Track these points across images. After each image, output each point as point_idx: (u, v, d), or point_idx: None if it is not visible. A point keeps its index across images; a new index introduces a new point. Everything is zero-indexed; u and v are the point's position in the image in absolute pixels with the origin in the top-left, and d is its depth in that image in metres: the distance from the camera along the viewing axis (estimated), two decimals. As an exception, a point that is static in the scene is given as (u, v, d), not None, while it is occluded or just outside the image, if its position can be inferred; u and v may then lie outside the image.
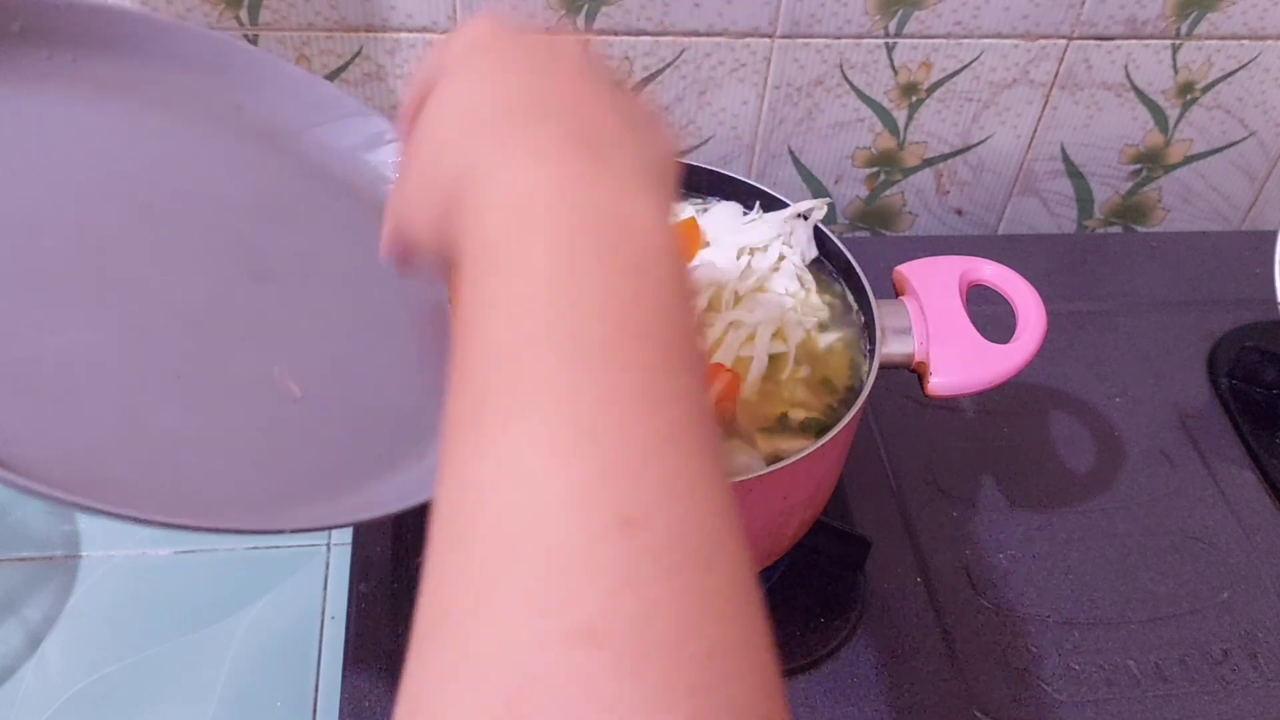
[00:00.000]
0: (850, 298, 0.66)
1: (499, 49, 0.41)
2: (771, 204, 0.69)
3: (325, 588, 0.77)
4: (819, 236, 0.67)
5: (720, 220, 0.68)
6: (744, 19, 0.81)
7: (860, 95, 0.87)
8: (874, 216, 0.96)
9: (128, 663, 0.72)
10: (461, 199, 0.35)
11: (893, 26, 0.83)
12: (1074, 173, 0.96)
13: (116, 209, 0.51)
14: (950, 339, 0.62)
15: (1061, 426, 0.81)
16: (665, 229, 0.34)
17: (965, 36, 0.85)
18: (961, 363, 0.61)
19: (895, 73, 0.86)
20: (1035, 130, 0.92)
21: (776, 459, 0.57)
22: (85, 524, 0.78)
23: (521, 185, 0.34)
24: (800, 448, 0.57)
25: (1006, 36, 0.85)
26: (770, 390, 0.61)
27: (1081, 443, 0.80)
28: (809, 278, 0.66)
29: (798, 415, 0.60)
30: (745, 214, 0.69)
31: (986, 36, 0.85)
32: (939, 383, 0.61)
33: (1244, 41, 0.88)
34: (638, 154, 0.37)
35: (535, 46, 0.41)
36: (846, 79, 0.86)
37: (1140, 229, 1.02)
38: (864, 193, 0.94)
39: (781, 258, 0.66)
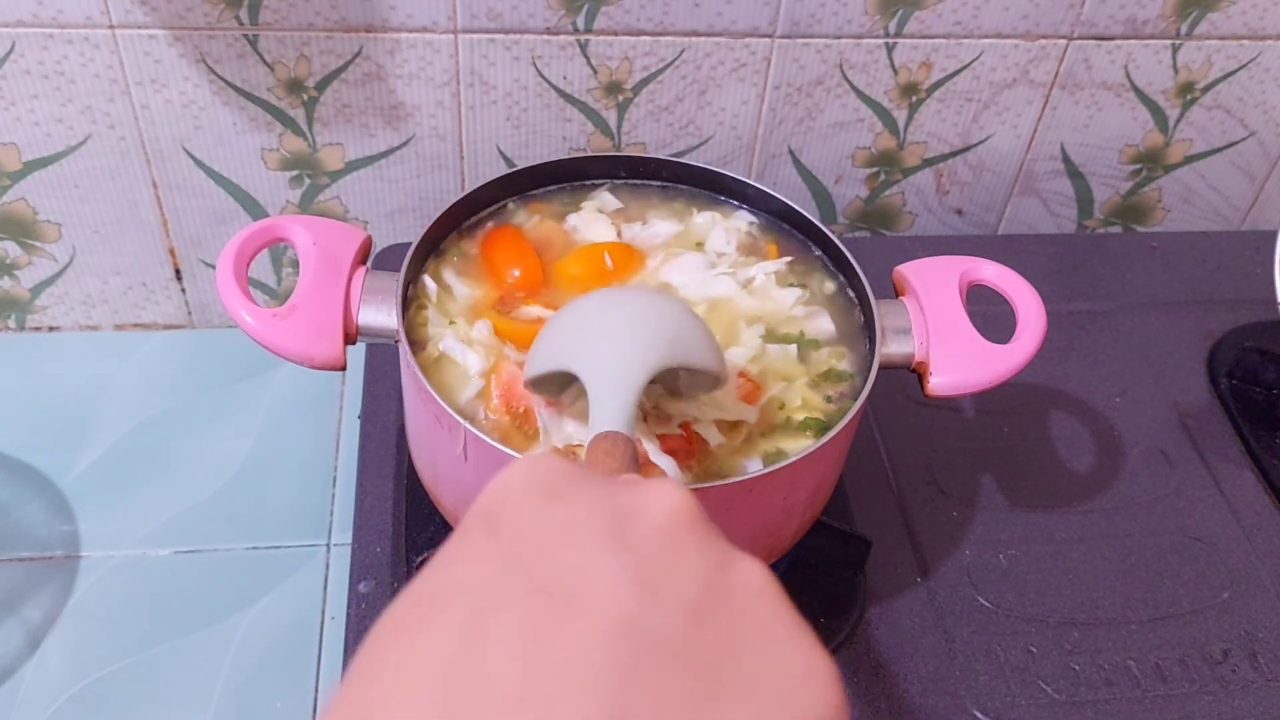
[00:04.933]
0: (851, 296, 0.66)
1: (497, 541, 0.29)
2: (772, 204, 0.69)
3: (325, 588, 0.77)
4: (819, 236, 0.67)
5: (687, 273, 0.66)
6: (744, 19, 0.81)
7: (860, 95, 0.87)
8: (874, 216, 0.96)
9: (128, 663, 0.72)
10: None
11: (893, 26, 0.83)
12: (1074, 173, 0.96)
13: None
14: (950, 339, 0.62)
15: (1061, 426, 0.81)
16: None
17: (965, 36, 0.85)
18: (961, 363, 0.61)
19: (895, 73, 0.86)
20: (1035, 130, 0.92)
21: (778, 457, 0.57)
22: (85, 524, 0.79)
23: None
24: (800, 446, 0.57)
25: (1006, 36, 0.85)
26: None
27: (1081, 443, 0.80)
28: (780, 270, 0.66)
29: (798, 415, 0.60)
30: (709, 265, 0.67)
31: (986, 36, 0.85)
32: (939, 383, 0.61)
33: (1244, 41, 0.88)
34: None
35: (563, 545, 0.28)
36: (846, 79, 0.86)
37: (1140, 229, 1.02)
38: (864, 193, 0.94)
39: (750, 280, 0.66)
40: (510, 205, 0.69)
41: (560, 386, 0.56)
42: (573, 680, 0.24)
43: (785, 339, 0.63)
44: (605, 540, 0.28)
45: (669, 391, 0.57)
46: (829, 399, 0.61)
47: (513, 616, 0.26)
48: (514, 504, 0.30)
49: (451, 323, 0.62)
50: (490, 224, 0.68)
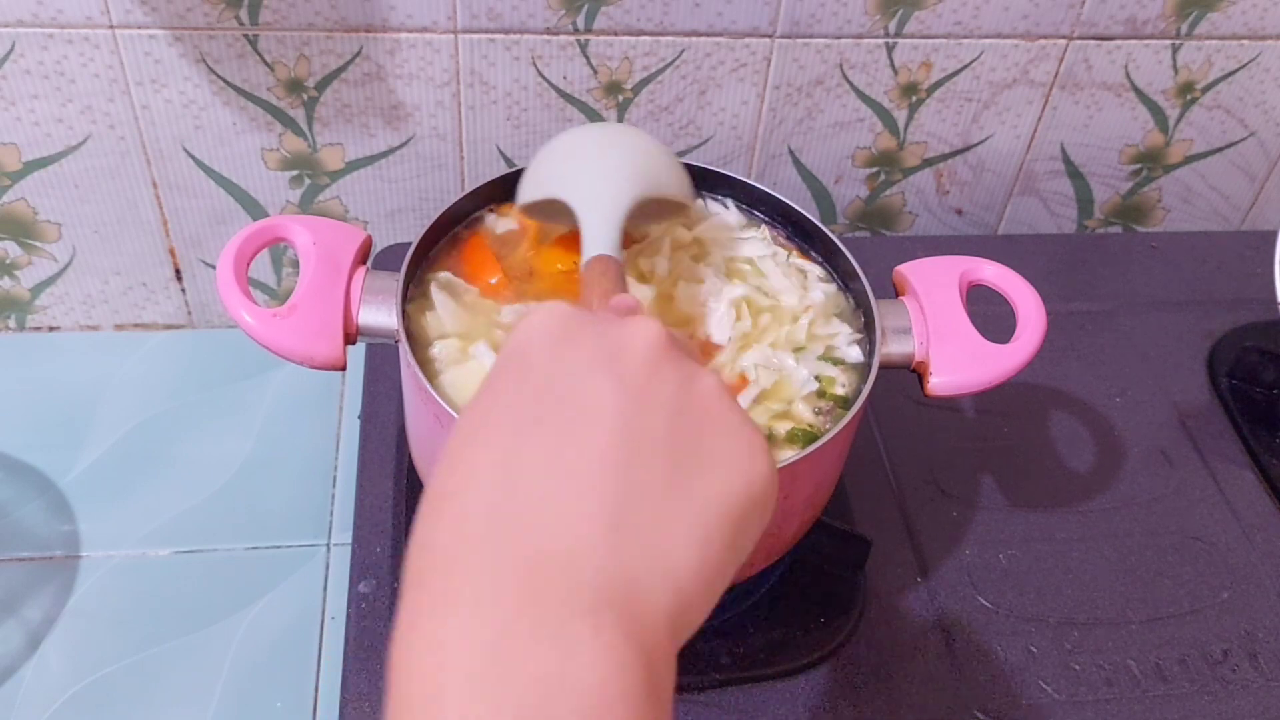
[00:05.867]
0: (850, 298, 0.66)
1: (527, 375, 0.37)
2: (772, 204, 0.69)
3: (325, 588, 0.77)
4: (818, 236, 0.67)
5: (716, 230, 0.67)
6: (744, 19, 0.81)
7: (860, 95, 0.87)
8: (874, 216, 0.96)
9: (128, 663, 0.72)
10: (395, 630, 0.32)
11: (893, 26, 0.83)
12: (1074, 173, 0.96)
13: None
14: (950, 339, 0.62)
15: (1061, 426, 0.81)
16: (629, 681, 0.30)
17: (965, 36, 0.85)
18: (961, 363, 0.61)
19: (895, 73, 0.86)
20: (1035, 130, 0.92)
21: None
22: (85, 524, 0.79)
23: (435, 654, 0.30)
24: (788, 456, 0.57)
25: (1006, 36, 0.85)
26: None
27: (1081, 443, 0.80)
28: (781, 254, 0.67)
29: (783, 427, 0.59)
30: (743, 228, 0.68)
31: (986, 36, 0.85)
32: (939, 383, 0.61)
33: (1244, 41, 0.88)
34: (625, 563, 0.32)
35: (575, 374, 0.36)
36: (846, 79, 0.86)
37: (1140, 229, 1.02)
38: (864, 193, 0.94)
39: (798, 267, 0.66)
40: (482, 213, 0.68)
41: (546, 214, 0.61)
42: (594, 466, 0.34)
43: (824, 356, 0.62)
44: (606, 369, 0.36)
45: (643, 219, 0.63)
46: (818, 411, 0.60)
47: (548, 428, 0.35)
48: (537, 346, 0.38)
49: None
50: (463, 239, 0.67)
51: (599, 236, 0.54)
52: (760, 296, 0.64)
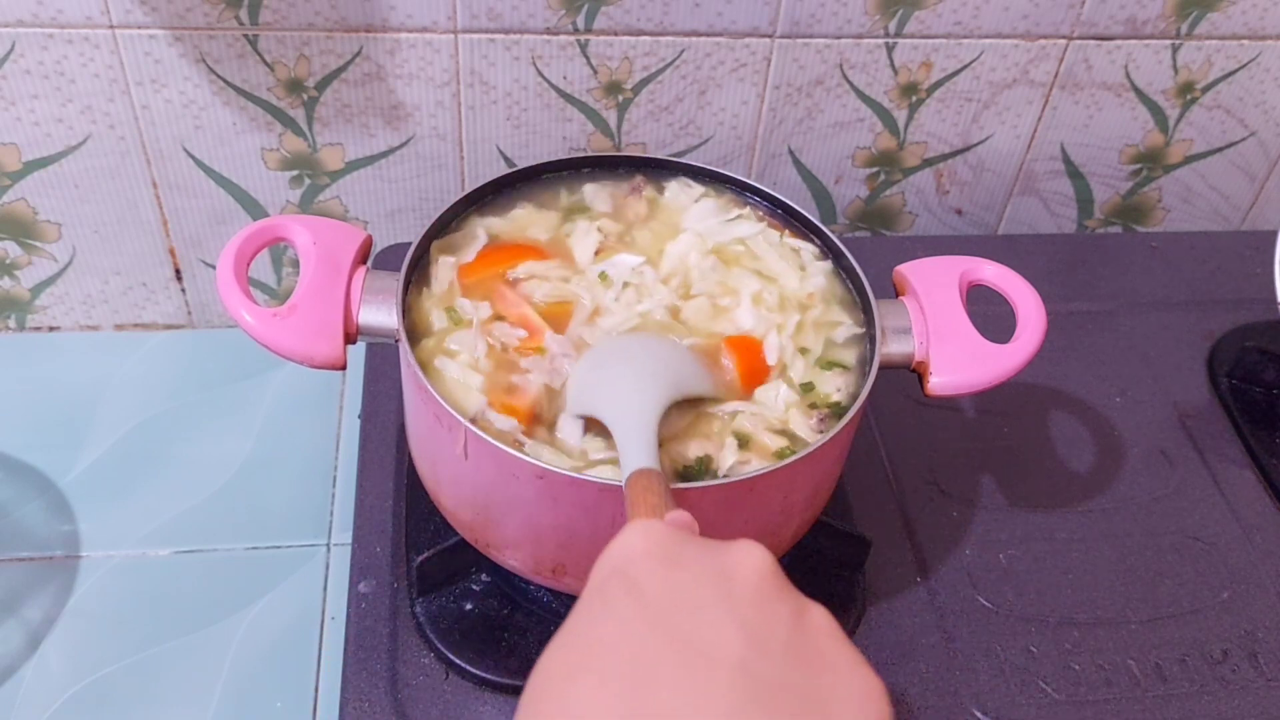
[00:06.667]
0: (854, 296, 0.66)
1: (639, 603, 0.37)
2: (771, 204, 0.69)
3: (325, 588, 0.77)
4: (819, 236, 0.67)
5: (705, 220, 0.67)
6: (744, 19, 0.81)
7: (860, 95, 0.87)
8: (874, 216, 0.96)
9: (128, 663, 0.72)
10: None
11: (893, 26, 0.83)
12: (1074, 173, 0.96)
13: None
14: (950, 339, 0.62)
15: (1061, 426, 0.81)
16: None
17: (965, 36, 0.85)
18: (961, 363, 0.61)
19: (895, 73, 0.86)
20: (1035, 130, 0.92)
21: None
22: (85, 524, 0.79)
23: None
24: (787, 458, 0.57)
25: (1006, 36, 0.85)
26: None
27: (1081, 443, 0.80)
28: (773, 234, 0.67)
29: (777, 443, 0.58)
30: (729, 213, 0.68)
31: (986, 36, 0.85)
32: (939, 383, 0.61)
33: (1244, 41, 0.88)
34: None
35: (690, 607, 0.36)
36: (846, 79, 0.86)
37: (1140, 229, 1.02)
38: (864, 193, 0.94)
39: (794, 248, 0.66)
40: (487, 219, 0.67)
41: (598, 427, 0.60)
42: (717, 710, 0.33)
43: (822, 362, 0.62)
44: (718, 601, 0.36)
45: (674, 419, 0.60)
46: (817, 425, 0.60)
47: (668, 667, 0.34)
48: (643, 569, 0.38)
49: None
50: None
51: (634, 450, 0.52)
52: (764, 283, 0.64)
